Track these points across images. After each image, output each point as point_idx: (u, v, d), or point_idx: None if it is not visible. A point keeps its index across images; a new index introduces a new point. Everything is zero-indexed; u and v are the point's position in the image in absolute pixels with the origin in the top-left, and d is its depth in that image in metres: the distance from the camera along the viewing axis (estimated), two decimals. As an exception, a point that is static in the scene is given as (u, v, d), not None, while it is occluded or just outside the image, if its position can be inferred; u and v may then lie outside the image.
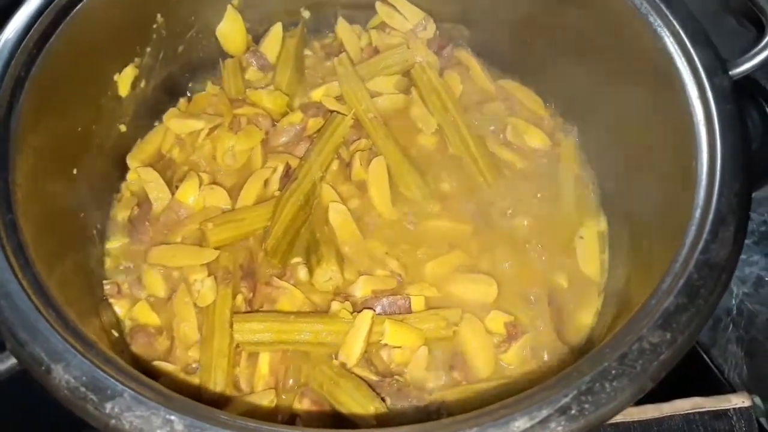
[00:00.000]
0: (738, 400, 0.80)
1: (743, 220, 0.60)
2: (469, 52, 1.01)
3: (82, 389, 0.51)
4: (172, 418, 0.49)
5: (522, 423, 0.49)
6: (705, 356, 0.93)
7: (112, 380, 0.52)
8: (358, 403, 0.70)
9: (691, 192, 0.64)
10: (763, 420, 0.86)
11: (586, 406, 0.50)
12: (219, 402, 0.70)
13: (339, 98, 0.96)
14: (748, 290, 0.99)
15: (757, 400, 0.86)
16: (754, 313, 0.98)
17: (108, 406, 0.50)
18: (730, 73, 0.71)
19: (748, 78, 1.00)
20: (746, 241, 0.99)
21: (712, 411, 0.79)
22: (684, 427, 0.78)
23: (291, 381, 0.75)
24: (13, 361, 0.56)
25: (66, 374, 0.52)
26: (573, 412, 0.50)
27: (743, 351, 0.96)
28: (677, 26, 0.72)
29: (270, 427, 0.50)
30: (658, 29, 0.73)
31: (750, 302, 0.98)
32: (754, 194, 0.95)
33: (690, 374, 0.91)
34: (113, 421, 0.50)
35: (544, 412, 0.50)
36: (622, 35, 0.79)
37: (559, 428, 0.49)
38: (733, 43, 0.76)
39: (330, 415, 0.72)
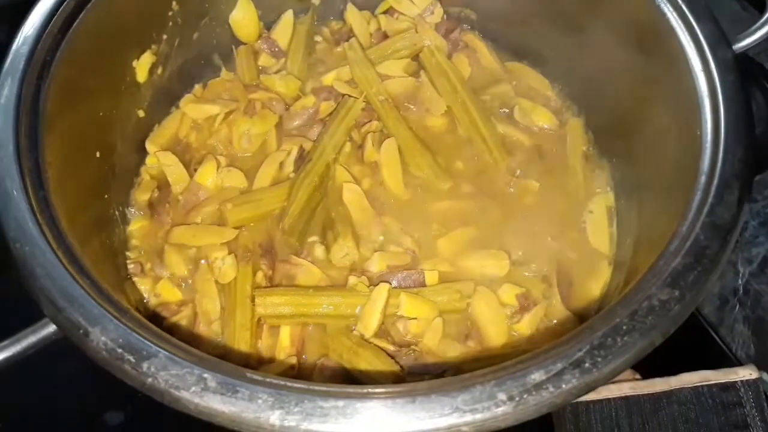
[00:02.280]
0: (745, 373, 0.81)
1: (747, 183, 0.62)
2: (477, 36, 1.03)
3: (119, 350, 0.54)
4: (206, 375, 0.52)
5: (538, 376, 0.52)
6: (714, 334, 0.95)
7: (147, 342, 0.54)
8: (377, 370, 0.73)
9: (696, 160, 0.66)
10: (771, 394, 0.88)
11: (599, 359, 0.53)
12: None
13: (350, 82, 0.98)
14: (755, 270, 1.00)
15: (766, 376, 0.88)
16: (761, 293, 0.99)
17: (144, 365, 0.53)
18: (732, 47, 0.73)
19: (752, 61, 1.02)
20: (752, 223, 1.02)
21: (720, 383, 0.80)
22: (693, 399, 0.80)
23: (311, 351, 0.78)
24: (51, 328, 0.58)
25: (103, 336, 0.54)
26: (586, 365, 0.52)
27: (750, 330, 0.97)
28: (680, 1, 0.74)
29: (295, 384, 0.52)
30: (661, 5, 0.75)
31: (756, 282, 0.99)
32: (759, 177, 0.97)
33: (699, 352, 0.93)
34: (150, 380, 0.52)
35: (559, 365, 0.52)
36: (625, 13, 0.81)
37: (574, 380, 0.52)
38: (737, 26, 0.77)
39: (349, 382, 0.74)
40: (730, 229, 0.60)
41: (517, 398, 0.51)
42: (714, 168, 0.64)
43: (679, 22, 0.74)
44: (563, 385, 0.52)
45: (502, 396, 0.51)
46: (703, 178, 0.64)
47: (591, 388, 0.52)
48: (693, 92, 0.70)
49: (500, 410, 0.51)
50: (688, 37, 0.73)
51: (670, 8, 0.75)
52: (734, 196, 0.61)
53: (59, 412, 0.86)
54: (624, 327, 0.55)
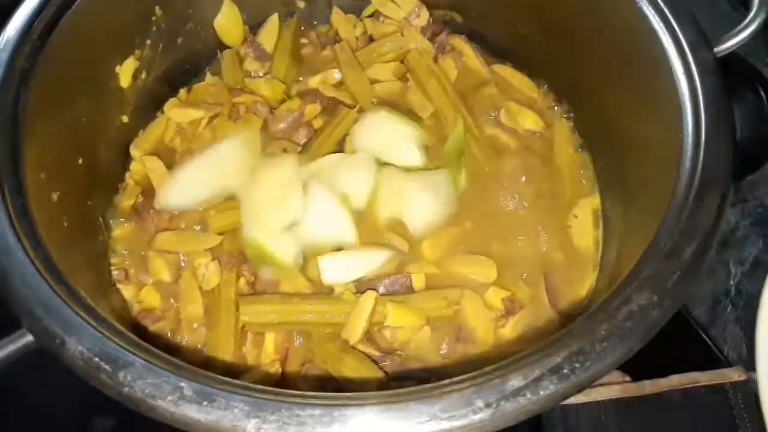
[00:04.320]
0: (734, 375, 0.81)
1: (727, 186, 0.62)
2: (463, 39, 1.03)
3: (96, 359, 0.53)
4: (182, 384, 0.52)
5: (516, 382, 0.52)
6: (704, 336, 0.95)
7: (124, 351, 0.54)
8: (361, 377, 0.73)
9: (677, 163, 0.66)
10: (761, 394, 0.88)
11: (577, 365, 0.53)
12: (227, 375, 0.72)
13: (336, 85, 0.98)
14: (746, 271, 1.00)
15: (755, 377, 0.88)
16: (753, 294, 0.99)
17: (121, 374, 0.53)
18: (715, 50, 0.73)
19: (744, 62, 1.03)
20: (743, 222, 1.02)
21: (709, 385, 0.81)
22: (681, 401, 0.80)
23: (296, 358, 0.78)
24: (29, 338, 0.58)
25: (80, 346, 0.54)
26: (565, 371, 0.52)
27: (742, 330, 0.97)
28: (662, 4, 0.74)
29: (272, 392, 0.52)
30: (644, 8, 0.75)
31: (748, 283, 1.00)
32: (750, 177, 0.98)
33: (690, 354, 0.93)
34: (126, 389, 0.52)
35: (537, 372, 0.52)
36: (608, 15, 0.80)
37: (552, 387, 0.52)
38: (726, 26, 0.77)
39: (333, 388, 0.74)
40: (710, 233, 0.60)
41: (494, 405, 0.51)
42: (694, 171, 0.64)
43: (661, 24, 0.73)
44: (541, 392, 0.52)
45: (479, 403, 0.51)
46: (683, 182, 0.64)
47: (569, 394, 0.52)
48: (675, 95, 0.70)
49: (478, 417, 0.51)
50: (670, 40, 0.72)
51: (652, 11, 0.74)
52: (714, 200, 0.61)
53: (48, 418, 0.86)
54: (603, 333, 0.54)
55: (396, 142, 0.90)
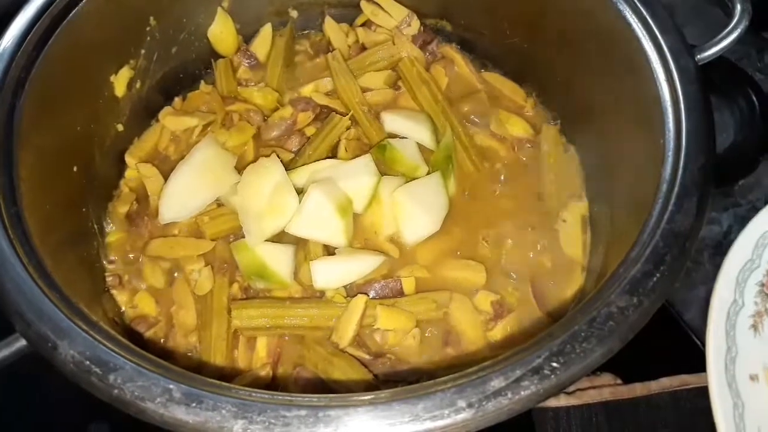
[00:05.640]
0: (723, 377, 0.82)
1: (706, 191, 0.64)
2: (453, 47, 1.05)
3: (87, 363, 0.55)
4: (171, 386, 0.53)
5: (498, 382, 0.53)
6: (695, 339, 0.96)
7: (114, 354, 0.55)
8: (351, 379, 0.74)
9: (659, 168, 0.67)
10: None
11: (557, 366, 0.54)
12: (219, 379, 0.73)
13: (329, 93, 1.00)
14: (737, 275, 1.01)
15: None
16: (744, 297, 1.00)
17: (111, 377, 0.54)
18: (699, 56, 0.74)
19: (735, 67, 1.04)
20: (736, 227, 1.03)
21: (699, 387, 0.82)
22: (671, 403, 0.81)
23: (288, 361, 0.79)
24: (22, 342, 0.59)
25: (71, 350, 0.55)
26: (545, 371, 0.54)
27: (733, 333, 0.98)
28: (645, 13, 0.76)
29: (259, 393, 0.53)
30: (627, 16, 0.76)
31: (739, 286, 1.00)
32: (742, 181, 0.99)
33: (682, 357, 0.94)
34: (116, 392, 0.53)
35: (518, 372, 0.53)
36: (595, 24, 0.82)
37: (532, 387, 0.53)
38: (719, 32, 0.79)
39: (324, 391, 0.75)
40: (689, 237, 0.61)
41: (476, 405, 0.52)
42: (675, 176, 0.65)
43: (644, 32, 0.75)
44: (522, 392, 0.53)
45: (461, 403, 0.52)
46: (664, 186, 0.65)
47: (550, 394, 0.53)
48: (657, 101, 0.72)
49: (460, 417, 0.52)
50: (653, 48, 0.74)
51: (636, 19, 0.76)
52: (693, 204, 0.63)
53: (42, 424, 0.87)
54: (582, 334, 0.56)
55: (417, 125, 0.94)
